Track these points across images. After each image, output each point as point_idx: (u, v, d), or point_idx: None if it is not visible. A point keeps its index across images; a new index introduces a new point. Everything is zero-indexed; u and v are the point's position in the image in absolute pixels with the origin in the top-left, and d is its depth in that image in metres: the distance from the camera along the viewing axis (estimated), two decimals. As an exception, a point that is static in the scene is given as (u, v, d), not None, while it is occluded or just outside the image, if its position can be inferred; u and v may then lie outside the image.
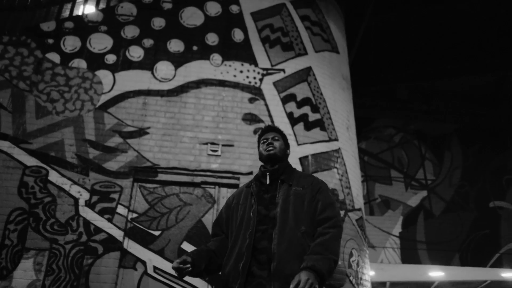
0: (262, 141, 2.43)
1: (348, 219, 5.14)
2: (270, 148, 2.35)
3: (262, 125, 5.19)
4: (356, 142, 6.20)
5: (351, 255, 4.95)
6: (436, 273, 9.48)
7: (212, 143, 4.99)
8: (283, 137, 2.47)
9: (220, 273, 2.22)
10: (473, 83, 9.80)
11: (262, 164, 2.41)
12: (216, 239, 2.37)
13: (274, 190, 2.24)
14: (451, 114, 9.86)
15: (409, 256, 8.39)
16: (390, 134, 9.64)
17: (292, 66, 5.72)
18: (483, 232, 8.87)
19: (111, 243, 4.29)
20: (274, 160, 2.34)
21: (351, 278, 4.81)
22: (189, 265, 2.05)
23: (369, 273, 5.36)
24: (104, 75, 5.20)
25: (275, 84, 5.52)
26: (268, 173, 2.31)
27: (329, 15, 6.58)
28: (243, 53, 5.66)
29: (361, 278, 5.00)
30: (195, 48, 5.57)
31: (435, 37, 8.80)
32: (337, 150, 5.48)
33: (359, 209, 5.50)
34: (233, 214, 2.33)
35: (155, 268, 4.31)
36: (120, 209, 4.47)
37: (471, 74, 9.11)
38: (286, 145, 2.46)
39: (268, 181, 2.29)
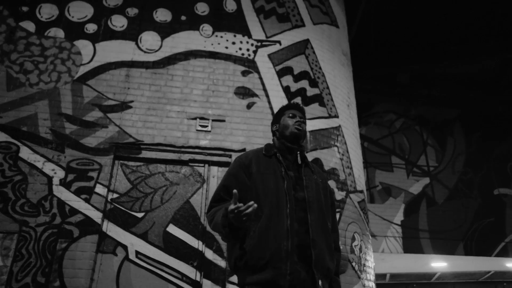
0: (289, 115, 2.21)
1: (350, 201, 4.74)
2: (299, 127, 2.16)
3: (256, 99, 4.78)
4: (357, 121, 5.79)
5: (353, 239, 4.55)
6: (439, 263, 9.12)
7: (202, 118, 4.57)
8: (305, 121, 2.28)
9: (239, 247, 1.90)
10: (476, 67, 9.41)
11: (281, 139, 2.18)
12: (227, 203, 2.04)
13: (298, 172, 2.07)
14: (453, 99, 9.46)
15: (411, 245, 8.00)
16: (391, 120, 9.24)
17: (289, 38, 5.30)
18: (487, 220, 8.50)
19: (88, 226, 3.86)
20: (298, 141, 2.16)
21: (353, 264, 4.41)
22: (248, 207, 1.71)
23: (372, 259, 4.97)
24: (83, 45, 4.75)
25: (270, 56, 5.10)
26: (299, 152, 2.14)
27: (328, -13, 6.15)
28: (236, 24, 5.23)
29: (364, 265, 4.61)
30: (183, 18, 5.13)
31: (437, 18, 8.39)
32: (338, 128, 5.07)
33: (361, 191, 5.10)
34: (256, 183, 2.00)
35: (137, 253, 3.89)
36: (99, 189, 4.04)
37: (475, 56, 8.72)
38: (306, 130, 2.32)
39: (299, 161, 2.11)
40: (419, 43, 8.70)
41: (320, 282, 1.79)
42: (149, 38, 4.93)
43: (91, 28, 4.87)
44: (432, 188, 8.63)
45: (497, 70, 9.53)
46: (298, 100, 4.92)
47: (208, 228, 4.02)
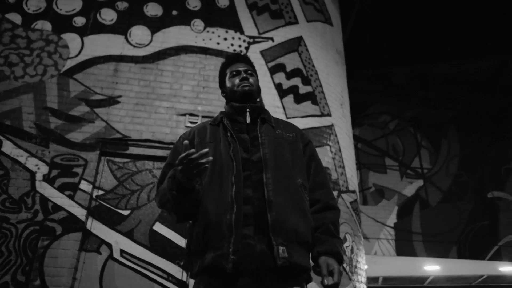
0: (231, 74, 1.90)
1: (341, 201, 4.65)
2: (246, 84, 1.84)
3: (247, 96, 4.67)
4: (350, 120, 5.71)
5: (344, 239, 4.46)
6: (432, 266, 9.05)
7: (191, 114, 4.46)
8: (255, 71, 1.99)
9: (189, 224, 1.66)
10: (472, 68, 9.38)
11: (230, 102, 1.89)
12: None
13: (254, 131, 1.76)
14: (448, 101, 9.43)
15: (404, 248, 7.93)
16: (385, 121, 9.18)
17: (282, 34, 5.22)
18: (481, 223, 8.45)
19: (71, 223, 3.74)
20: (251, 99, 1.85)
21: (344, 265, 4.32)
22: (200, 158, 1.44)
23: (364, 261, 4.88)
24: (71, 39, 4.64)
25: (262, 53, 5.01)
26: (248, 110, 1.81)
27: (323, -16, 6.08)
28: (228, 20, 5.14)
29: (355, 266, 4.51)
30: (174, 12, 5.03)
31: (433, 18, 8.35)
32: (330, 127, 4.98)
33: (353, 191, 5.01)
34: None
35: (122, 251, 3.77)
36: (84, 185, 3.92)
37: (471, 57, 8.69)
38: (257, 76, 1.99)
39: (248, 120, 1.79)
40: (415, 43, 8.65)
41: (280, 250, 1.44)
42: (139, 33, 4.83)
43: (80, 21, 4.76)
44: (426, 191, 8.57)
45: (493, 72, 9.51)
46: (290, 97, 4.83)
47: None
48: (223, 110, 1.92)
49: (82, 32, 4.70)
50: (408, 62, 8.70)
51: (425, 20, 8.25)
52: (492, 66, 9.24)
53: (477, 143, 9.28)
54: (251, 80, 1.86)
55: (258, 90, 1.93)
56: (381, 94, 9.23)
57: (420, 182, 8.65)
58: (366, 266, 4.94)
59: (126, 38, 4.76)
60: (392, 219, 8.17)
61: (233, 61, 1.95)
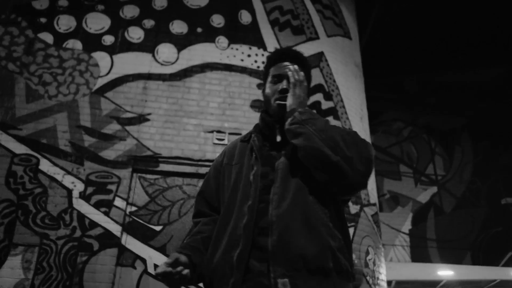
0: (272, 78, 1.56)
1: (363, 215, 4.77)
2: (284, 101, 1.50)
3: (272, 112, 4.80)
4: (369, 133, 5.83)
5: (367, 253, 4.59)
6: (445, 272, 9.14)
7: (218, 131, 4.60)
8: (307, 72, 1.60)
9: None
10: (484, 76, 9.44)
11: (265, 111, 1.60)
12: (206, 221, 1.54)
13: (285, 146, 1.49)
14: (461, 108, 9.50)
15: (419, 254, 8.04)
16: (399, 128, 9.28)
17: (303, 50, 5.22)
18: (495, 229, 8.53)
19: (107, 239, 3.90)
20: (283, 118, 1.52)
21: (367, 278, 4.45)
22: (182, 268, 1.30)
23: (385, 272, 5.00)
24: (101, 57, 4.79)
25: (285, 69, 5.12)
26: (278, 127, 1.53)
27: (341, -2, 6.19)
28: (251, 36, 5.27)
29: (377, 278, 4.64)
30: (199, 30, 5.17)
31: (445, 27, 8.43)
32: (351, 141, 5.09)
33: (374, 204, 5.14)
34: (224, 180, 1.55)
35: (156, 266, 3.92)
36: (118, 202, 4.08)
37: (483, 66, 8.76)
38: (309, 84, 1.62)
39: (279, 138, 1.52)
40: (427, 52, 8.73)
41: (279, 283, 1.20)
42: (165, 50, 4.97)
43: (108, 39, 4.91)
44: (440, 197, 8.66)
45: (502, 80, 9.57)
46: (313, 113, 4.95)
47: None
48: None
49: (111, 50, 4.85)
50: (420, 71, 8.79)
51: (437, 30, 8.33)
52: (502, 74, 9.30)
53: (490, 150, 9.35)
54: (295, 91, 1.48)
55: (304, 100, 1.50)
56: (394, 101, 9.32)
57: (434, 189, 8.75)
58: (386, 277, 5.06)
59: (153, 56, 4.91)
60: (407, 226, 8.27)
61: (280, 58, 1.58)
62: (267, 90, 1.56)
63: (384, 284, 4.86)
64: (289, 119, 1.42)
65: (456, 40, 8.55)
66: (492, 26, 8.30)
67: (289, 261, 1.22)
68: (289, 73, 1.47)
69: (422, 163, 8.95)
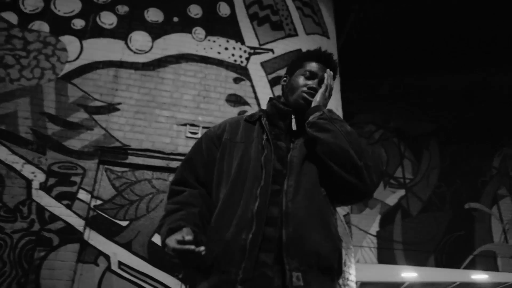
0: (306, 72, 1.58)
1: (337, 215, 4.73)
2: (311, 97, 1.53)
3: (247, 107, 4.69)
4: (343, 134, 5.81)
5: (338, 254, 4.55)
6: (409, 273, 9.32)
7: (192, 125, 4.44)
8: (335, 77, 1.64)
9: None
10: (455, 83, 9.70)
11: (278, 99, 1.61)
12: (195, 193, 1.43)
13: (290, 141, 1.48)
14: (430, 113, 9.71)
15: (385, 256, 8.14)
16: (371, 131, 9.37)
17: (282, 46, 5.25)
18: (458, 233, 8.76)
19: (69, 234, 3.67)
20: (301, 111, 1.54)
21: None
22: (195, 247, 1.17)
23: (354, 273, 5.00)
24: (69, 42, 4.53)
25: (263, 64, 5.03)
26: (294, 116, 1.53)
27: (321, -3, 6.15)
28: (229, 29, 5.13)
29: (347, 279, 4.62)
30: (175, 19, 4.99)
31: (418, 34, 8.59)
32: (326, 140, 5.06)
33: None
34: (224, 154, 1.47)
35: (120, 263, 3.73)
36: (82, 195, 3.85)
37: (452, 72, 8.99)
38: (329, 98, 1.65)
39: (295, 127, 1.51)
40: (401, 56, 8.86)
41: (294, 276, 1.17)
42: (139, 38, 4.76)
43: (79, 24, 4.65)
44: (407, 200, 8.81)
45: (472, 87, 9.85)
46: (289, 111, 4.87)
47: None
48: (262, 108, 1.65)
49: (81, 35, 4.59)
50: (394, 74, 8.92)
51: (412, 35, 8.47)
52: (472, 82, 9.59)
53: (456, 156, 9.60)
54: (322, 93, 1.54)
55: (326, 101, 1.58)
56: (367, 104, 9.41)
57: (402, 192, 8.88)
58: (355, 278, 5.06)
59: (126, 43, 4.69)
60: (375, 228, 8.36)
61: (319, 59, 1.61)
62: (299, 80, 1.57)
63: (354, 285, 4.85)
64: (318, 113, 1.45)
65: (431, 46, 8.72)
66: (463, 34, 8.52)
67: (304, 256, 1.21)
68: (326, 75, 1.55)
69: (392, 166, 9.08)
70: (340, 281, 4.44)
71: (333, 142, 1.38)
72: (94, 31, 4.66)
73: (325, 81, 1.55)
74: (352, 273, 4.85)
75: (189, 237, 1.16)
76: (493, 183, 9.61)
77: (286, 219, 1.25)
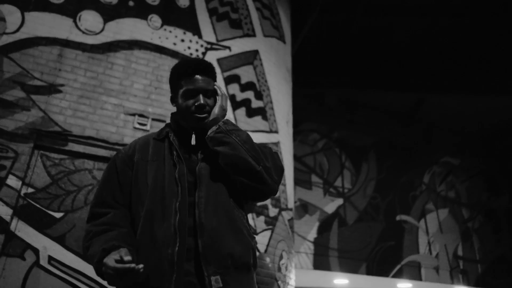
0: (186, 92, 1.57)
1: (281, 218, 4.73)
2: (202, 115, 1.56)
3: (201, 103, 4.53)
4: (292, 139, 5.86)
5: (281, 257, 4.54)
6: (341, 280, 9.61)
7: (141, 115, 4.21)
8: (215, 81, 1.67)
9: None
10: (396, 101, 10.22)
11: (179, 119, 1.65)
12: (121, 215, 1.50)
13: (204, 148, 1.59)
14: (371, 127, 10.15)
15: (321, 262, 8.32)
16: (315, 139, 9.59)
17: (239, 45, 5.18)
18: (389, 243, 9.19)
19: (-7, 223, 3.29)
20: (204, 129, 1.60)
21: (279, 282, 4.39)
22: (135, 265, 1.25)
23: (294, 278, 5.01)
24: (9, 12, 4.11)
25: (219, 61, 4.92)
26: (194, 132, 1.60)
27: (280, 1, 6.18)
28: (187, 21, 4.96)
29: (288, 283, 4.61)
30: (131, 3, 4.73)
31: (365, 51, 8.96)
32: (277, 144, 5.05)
33: (291, 209, 5.14)
34: (137, 174, 1.54)
35: (50, 258, 3.41)
36: (12, 181, 3.48)
37: (394, 90, 9.46)
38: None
39: (194, 142, 1.59)
40: (349, 70, 9.17)
41: (213, 280, 1.32)
42: (89, 18, 4.44)
43: (22, -6, 4.24)
44: (345, 209, 9.10)
45: (411, 107, 10.45)
46: (242, 110, 4.80)
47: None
48: (169, 122, 1.71)
49: (24, 6, 4.19)
50: (342, 87, 9.20)
51: (363, 49, 8.82)
52: (412, 101, 10.17)
53: (392, 170, 10.11)
54: (208, 108, 1.57)
55: (222, 113, 1.61)
56: (313, 113, 9.62)
57: (340, 201, 9.16)
58: (295, 283, 5.08)
59: (74, 22, 4.35)
60: (312, 234, 8.52)
61: (193, 72, 1.58)
62: (183, 104, 1.57)
63: (293, 290, 4.86)
64: (214, 128, 1.54)
65: (375, 63, 9.12)
66: (406, 55, 9.01)
67: (219, 260, 1.36)
68: (217, 88, 1.61)
69: (332, 175, 9.34)
70: (281, 285, 4.43)
71: (232, 154, 1.47)
72: (39, 4, 4.27)
73: (219, 92, 1.61)
74: (293, 278, 4.86)
75: (128, 257, 1.23)
76: (422, 197, 10.24)
77: (200, 229, 1.39)
